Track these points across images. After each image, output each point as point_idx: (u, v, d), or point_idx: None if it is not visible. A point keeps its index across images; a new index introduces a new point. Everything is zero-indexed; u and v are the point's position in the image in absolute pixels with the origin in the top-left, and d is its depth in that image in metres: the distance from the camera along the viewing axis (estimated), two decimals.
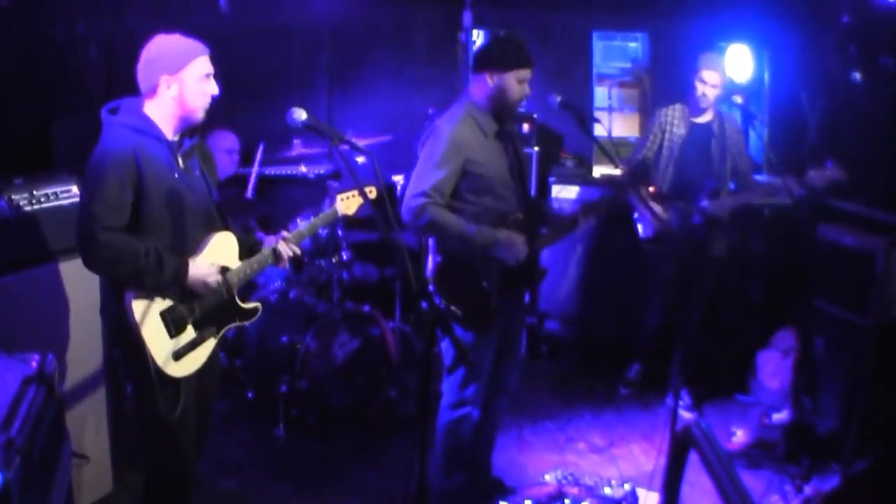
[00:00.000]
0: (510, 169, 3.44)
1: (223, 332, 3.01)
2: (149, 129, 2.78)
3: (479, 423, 3.68)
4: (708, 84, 4.56)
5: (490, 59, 3.39)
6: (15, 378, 2.56)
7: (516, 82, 3.34)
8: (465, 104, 3.42)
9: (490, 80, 3.35)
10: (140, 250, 2.69)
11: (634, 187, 4.33)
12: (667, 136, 4.71)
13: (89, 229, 2.66)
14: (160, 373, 2.77)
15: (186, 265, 2.81)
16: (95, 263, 2.74)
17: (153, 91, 2.80)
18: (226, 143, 4.79)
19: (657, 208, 4.52)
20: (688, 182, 4.64)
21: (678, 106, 4.75)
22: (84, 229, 2.68)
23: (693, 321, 4.76)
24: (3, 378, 2.54)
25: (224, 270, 2.95)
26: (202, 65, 2.82)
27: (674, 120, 4.71)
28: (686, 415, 4.71)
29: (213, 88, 2.85)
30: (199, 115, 2.86)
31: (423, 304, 2.62)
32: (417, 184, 3.33)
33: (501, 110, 3.39)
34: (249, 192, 4.75)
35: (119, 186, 2.68)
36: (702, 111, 4.68)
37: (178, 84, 2.79)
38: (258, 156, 4.73)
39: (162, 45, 2.80)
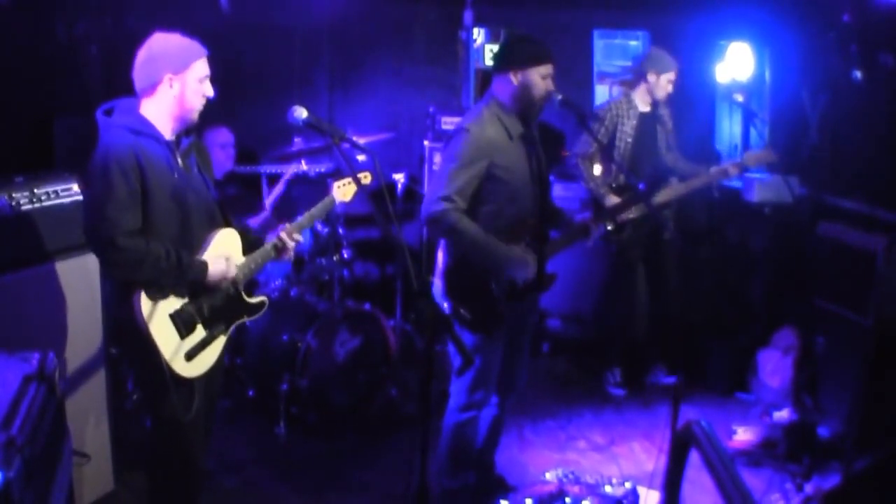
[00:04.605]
0: (531, 173, 3.39)
1: (231, 328, 3.01)
2: (146, 130, 2.75)
3: (494, 421, 3.69)
4: (671, 83, 4.77)
5: (513, 58, 3.35)
6: (15, 376, 2.55)
7: (540, 78, 3.31)
8: (490, 105, 3.36)
9: (514, 79, 3.32)
10: (161, 252, 2.68)
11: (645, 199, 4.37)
12: (619, 129, 4.81)
13: (108, 235, 2.63)
14: (174, 374, 2.76)
15: (206, 264, 2.81)
16: (117, 269, 2.72)
17: (153, 88, 2.77)
18: (220, 138, 4.81)
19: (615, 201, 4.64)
20: (640, 171, 4.79)
21: (623, 100, 4.87)
22: (102, 236, 2.64)
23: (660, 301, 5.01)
24: (4, 376, 2.54)
25: None
26: (202, 66, 2.82)
27: (623, 115, 4.82)
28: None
29: (210, 91, 2.85)
30: (195, 115, 2.85)
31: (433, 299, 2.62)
32: (440, 186, 3.27)
33: (527, 108, 3.35)
34: (268, 208, 4.82)
35: (128, 188, 2.66)
36: (655, 102, 4.84)
37: (181, 83, 2.77)
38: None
39: (165, 43, 2.78)
